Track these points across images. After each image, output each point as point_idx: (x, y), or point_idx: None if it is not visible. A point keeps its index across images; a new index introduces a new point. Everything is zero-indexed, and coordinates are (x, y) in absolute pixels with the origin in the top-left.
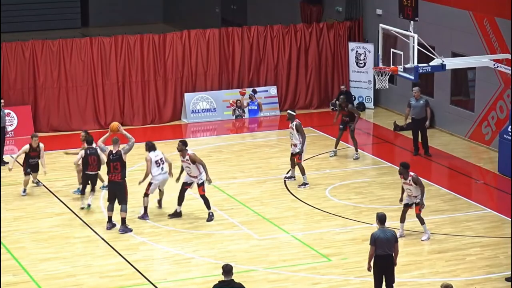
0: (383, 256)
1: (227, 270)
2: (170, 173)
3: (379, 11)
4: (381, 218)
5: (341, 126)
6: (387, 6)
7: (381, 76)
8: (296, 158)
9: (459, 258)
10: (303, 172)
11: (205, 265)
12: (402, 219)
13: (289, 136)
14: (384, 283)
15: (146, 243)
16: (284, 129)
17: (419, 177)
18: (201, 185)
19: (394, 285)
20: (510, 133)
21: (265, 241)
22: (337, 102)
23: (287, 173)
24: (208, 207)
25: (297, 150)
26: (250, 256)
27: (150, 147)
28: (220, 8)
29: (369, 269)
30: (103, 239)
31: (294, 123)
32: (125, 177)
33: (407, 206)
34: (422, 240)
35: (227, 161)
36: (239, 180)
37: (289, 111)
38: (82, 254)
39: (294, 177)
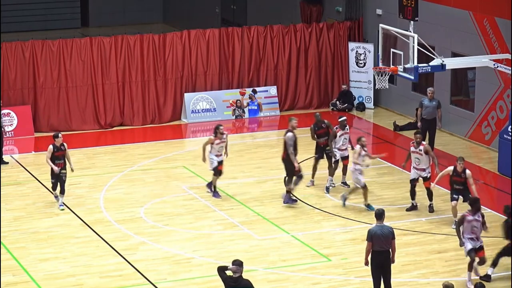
0: (380, 252)
1: (237, 264)
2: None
3: (379, 11)
4: (378, 214)
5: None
6: (387, 6)
7: (381, 76)
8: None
9: (459, 258)
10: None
11: (205, 265)
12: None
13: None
14: (382, 282)
15: (146, 243)
16: (284, 129)
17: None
18: None
19: (391, 282)
20: (510, 133)
21: (265, 241)
22: (337, 102)
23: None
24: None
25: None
26: (250, 256)
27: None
28: (220, 8)
29: (366, 264)
30: (103, 239)
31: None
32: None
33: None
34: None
35: (227, 161)
36: (239, 180)
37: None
38: (82, 254)
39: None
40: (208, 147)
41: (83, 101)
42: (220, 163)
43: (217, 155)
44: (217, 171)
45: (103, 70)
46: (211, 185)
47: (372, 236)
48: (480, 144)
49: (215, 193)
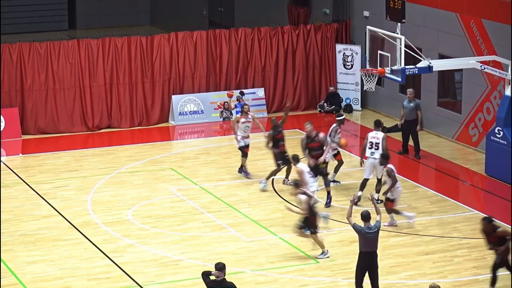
0: (368, 253)
1: (219, 268)
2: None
3: (366, 13)
4: (364, 216)
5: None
6: (374, 8)
7: (369, 77)
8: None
9: (447, 260)
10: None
11: (193, 267)
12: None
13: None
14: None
15: (133, 245)
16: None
17: (394, 172)
18: None
19: (379, 284)
20: (498, 135)
21: (252, 243)
22: (325, 104)
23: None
24: None
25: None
26: (238, 258)
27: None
28: (208, 10)
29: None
30: (90, 241)
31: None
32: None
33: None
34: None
35: (215, 163)
36: (227, 182)
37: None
38: (69, 256)
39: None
40: (236, 126)
41: (70, 104)
42: (247, 146)
43: (243, 137)
44: (244, 153)
45: (91, 72)
46: (242, 168)
47: (358, 232)
48: (467, 145)
49: (246, 173)
